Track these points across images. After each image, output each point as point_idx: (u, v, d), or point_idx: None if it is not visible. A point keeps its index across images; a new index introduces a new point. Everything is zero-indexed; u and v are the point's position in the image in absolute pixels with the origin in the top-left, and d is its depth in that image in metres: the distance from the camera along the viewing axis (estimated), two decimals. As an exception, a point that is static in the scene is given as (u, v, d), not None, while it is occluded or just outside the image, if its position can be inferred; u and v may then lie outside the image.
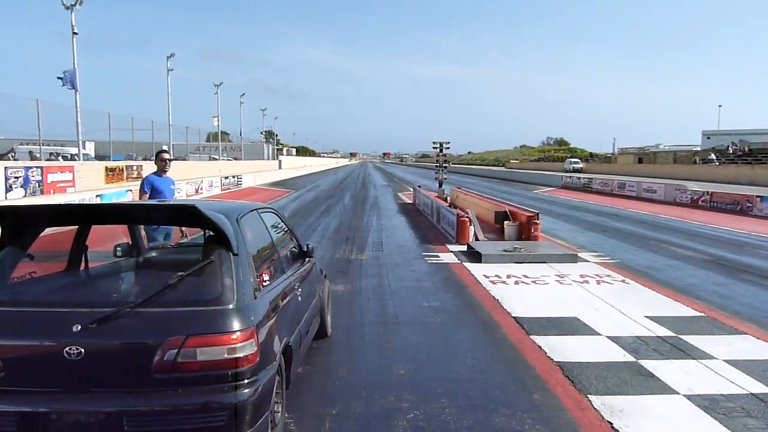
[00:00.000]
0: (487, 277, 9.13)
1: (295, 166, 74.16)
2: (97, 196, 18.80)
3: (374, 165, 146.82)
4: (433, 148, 23.27)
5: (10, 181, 16.67)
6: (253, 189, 37.58)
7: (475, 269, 9.79)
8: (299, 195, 31.39)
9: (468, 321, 6.87)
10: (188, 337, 3.07)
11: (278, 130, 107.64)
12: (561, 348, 5.71)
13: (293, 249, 5.19)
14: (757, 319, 6.85)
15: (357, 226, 16.45)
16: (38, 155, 24.57)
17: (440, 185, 22.63)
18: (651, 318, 6.73)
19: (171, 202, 5.50)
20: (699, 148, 66.22)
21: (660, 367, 5.18)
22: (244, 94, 58.42)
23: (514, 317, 6.86)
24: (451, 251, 11.72)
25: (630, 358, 5.43)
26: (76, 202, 15.87)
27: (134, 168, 25.24)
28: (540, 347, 5.76)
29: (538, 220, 12.75)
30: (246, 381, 3.15)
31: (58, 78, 22.97)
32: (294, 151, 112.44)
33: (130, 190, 20.15)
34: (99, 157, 31.79)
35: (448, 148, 23.27)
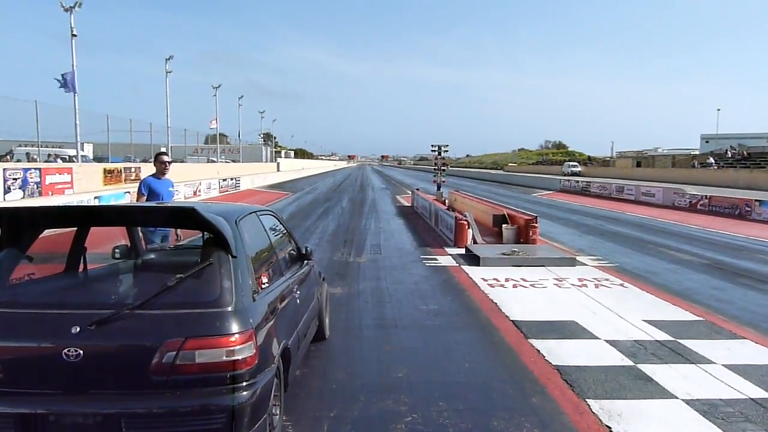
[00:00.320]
0: (485, 280, 9.13)
1: (293, 169, 74.16)
2: (95, 197, 18.78)
3: (372, 168, 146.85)
4: (432, 151, 23.30)
5: (9, 183, 16.64)
6: (252, 191, 37.56)
7: (474, 272, 9.79)
8: (297, 197, 31.39)
9: (466, 324, 6.86)
10: (187, 339, 3.07)
11: (276, 132, 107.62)
12: (559, 351, 5.71)
13: (292, 251, 5.18)
14: (755, 324, 6.85)
15: (355, 229, 16.45)
16: (35, 157, 24.54)
17: (438, 188, 22.65)
18: (649, 322, 6.74)
19: (170, 204, 5.49)
20: (697, 152, 66.33)
21: (658, 372, 5.18)
22: (242, 97, 58.45)
23: (512, 320, 6.85)
24: (450, 254, 11.72)
25: (628, 362, 5.43)
26: (75, 204, 15.84)
27: (132, 170, 25.23)
28: (538, 351, 5.76)
29: (536, 223, 12.76)
30: (244, 383, 3.14)
31: (56, 80, 22.95)
32: (292, 153, 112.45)
33: (129, 192, 20.14)
34: (97, 159, 31.76)
35: (447, 151, 23.30)
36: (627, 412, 4.36)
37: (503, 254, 10.88)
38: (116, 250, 4.95)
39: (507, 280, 9.16)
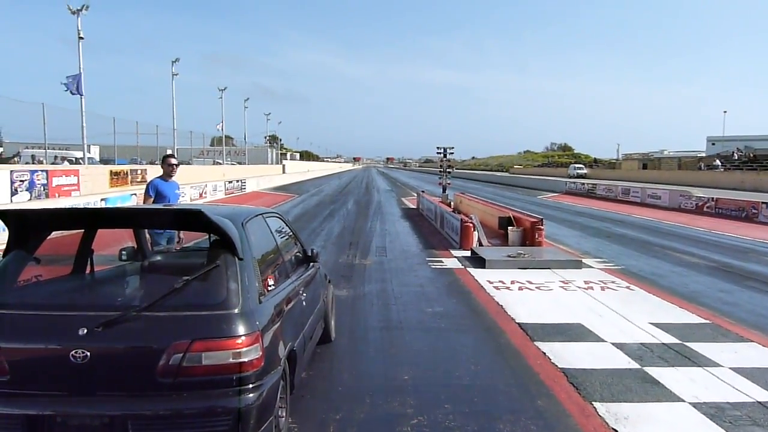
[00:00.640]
0: (491, 282, 9.12)
1: (298, 171, 74.25)
2: (102, 199, 18.84)
3: (377, 170, 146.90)
4: (437, 153, 23.27)
5: (16, 185, 16.72)
6: (257, 193, 37.63)
7: (479, 275, 9.78)
8: (303, 199, 31.43)
9: (472, 327, 6.86)
10: (193, 341, 3.08)
11: (282, 134, 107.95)
12: (565, 354, 5.70)
13: (297, 254, 5.20)
14: (762, 327, 6.81)
15: (361, 231, 16.46)
16: (41, 159, 24.68)
17: (444, 190, 22.62)
18: (656, 325, 6.71)
19: (177, 207, 5.51)
20: (704, 154, 66.08)
21: (665, 374, 5.16)
22: (248, 99, 58.52)
23: (518, 323, 6.84)
24: (455, 257, 11.72)
25: (635, 365, 5.41)
26: (82, 206, 15.91)
27: (139, 172, 25.31)
28: (544, 353, 5.75)
29: (542, 225, 12.72)
30: (250, 385, 3.15)
31: (63, 84, 23.06)
32: (297, 155, 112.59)
33: (135, 194, 20.20)
34: (104, 161, 31.91)
35: (452, 153, 23.27)
36: (633, 415, 4.35)
37: (509, 257, 10.86)
38: (123, 252, 4.97)
39: (513, 282, 9.14)
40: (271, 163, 67.67)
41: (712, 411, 4.42)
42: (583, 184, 42.19)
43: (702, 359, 5.58)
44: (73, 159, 29.31)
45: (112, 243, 5.01)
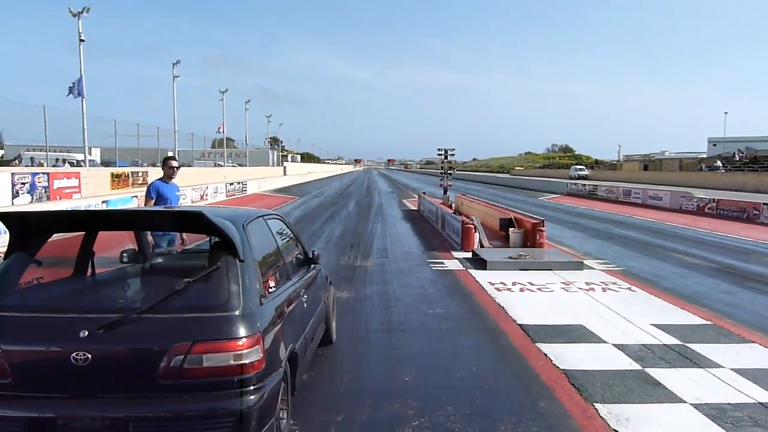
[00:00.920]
0: (492, 284, 9.11)
1: (299, 173, 74.30)
2: (103, 202, 18.87)
3: (379, 171, 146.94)
4: (438, 154, 23.30)
5: (17, 187, 16.75)
6: (258, 195, 37.66)
7: (480, 276, 9.77)
8: (304, 201, 31.44)
9: (473, 328, 6.85)
10: (194, 343, 3.08)
11: (283, 136, 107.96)
12: (567, 356, 5.69)
13: (299, 255, 5.20)
14: (764, 328, 6.80)
15: (362, 233, 16.46)
16: (42, 161, 24.69)
17: (445, 192, 22.64)
18: (657, 326, 6.70)
19: (178, 209, 5.52)
20: (705, 155, 66.05)
21: (667, 376, 5.16)
22: (249, 101, 58.62)
23: (519, 324, 6.84)
24: (456, 258, 11.71)
25: (636, 366, 5.41)
26: (83, 208, 15.94)
27: (140, 174, 25.34)
28: (546, 355, 5.74)
29: (543, 227, 12.72)
30: (252, 387, 3.15)
31: (69, 87, 23.11)
32: (299, 157, 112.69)
33: (136, 196, 20.22)
34: (105, 164, 31.92)
35: (453, 154, 23.30)
36: (635, 417, 4.34)
37: (510, 258, 10.86)
38: (124, 254, 4.97)
39: (514, 283, 9.14)
40: (273, 165, 67.73)
41: (714, 412, 4.41)
42: (584, 185, 42.18)
43: (703, 360, 5.58)
44: (75, 161, 29.33)
45: (113, 245, 5.01)
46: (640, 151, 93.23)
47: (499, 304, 7.83)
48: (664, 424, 4.24)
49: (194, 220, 3.88)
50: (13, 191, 16.57)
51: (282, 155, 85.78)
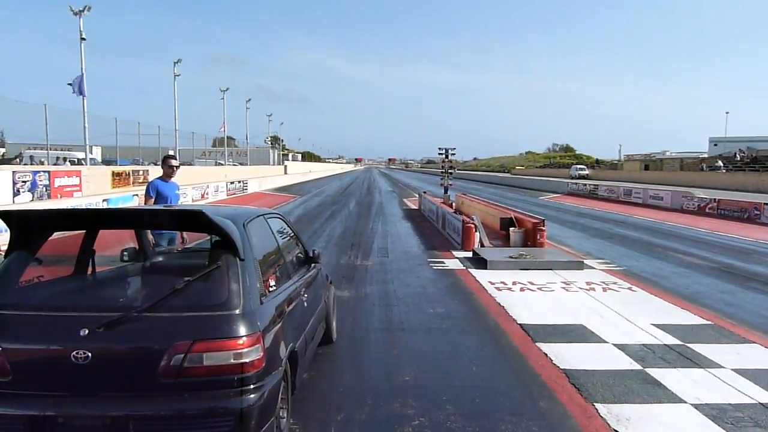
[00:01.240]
0: (492, 283, 9.11)
1: (300, 172, 74.29)
2: (103, 200, 18.88)
3: (379, 171, 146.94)
4: (439, 154, 23.29)
5: (18, 186, 16.76)
6: (259, 194, 37.66)
7: (481, 276, 9.77)
8: (305, 200, 31.44)
9: (473, 328, 6.85)
10: (195, 342, 3.08)
11: (284, 135, 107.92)
12: (567, 355, 5.69)
13: (299, 254, 5.20)
14: (765, 328, 6.80)
15: (362, 232, 16.46)
16: (43, 159, 24.70)
17: (445, 191, 22.63)
18: (658, 326, 6.70)
19: (178, 208, 5.51)
20: (706, 155, 65.99)
21: (667, 376, 5.15)
22: (250, 100, 58.62)
23: (519, 324, 6.83)
24: (457, 257, 11.71)
25: (637, 366, 5.40)
26: (84, 207, 15.94)
27: (140, 173, 25.35)
28: (546, 354, 5.74)
29: (543, 226, 12.71)
30: (252, 386, 3.15)
31: (69, 84, 23.11)
32: (299, 156, 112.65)
33: (137, 195, 20.23)
34: (106, 162, 31.92)
35: (454, 154, 23.29)
36: (635, 417, 4.34)
37: (510, 257, 10.85)
38: (125, 253, 4.97)
39: (514, 283, 9.14)
40: (273, 164, 67.71)
41: (714, 412, 4.41)
42: (585, 185, 42.16)
43: (704, 360, 5.57)
44: (75, 160, 29.33)
45: (113, 244, 5.01)
46: (641, 151, 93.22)
47: (499, 304, 7.83)
48: (665, 424, 4.23)
49: (195, 219, 3.88)
50: (14, 189, 16.58)
51: (283, 154, 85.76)
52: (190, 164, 38.92)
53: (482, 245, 12.57)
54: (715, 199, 24.32)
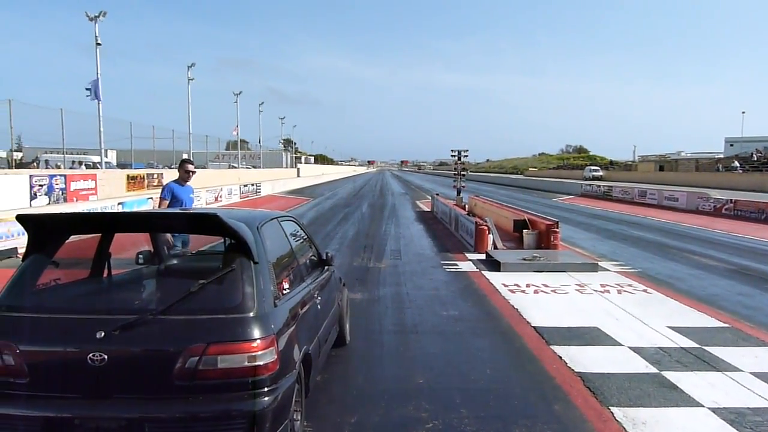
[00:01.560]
0: (506, 285, 9.07)
1: (313, 174, 74.53)
2: (118, 203, 19.04)
3: (392, 173, 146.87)
4: (451, 156, 23.26)
5: (35, 189, 16.98)
6: (272, 197, 37.81)
7: (494, 278, 9.73)
8: (317, 203, 31.51)
9: (487, 330, 6.82)
10: (209, 344, 3.09)
11: (296, 138, 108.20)
12: (582, 358, 5.65)
13: (312, 257, 5.21)
14: (783, 331, 6.71)
15: (375, 234, 16.47)
16: (59, 164, 24.98)
17: (458, 193, 22.59)
18: (674, 328, 6.63)
19: (193, 211, 5.55)
20: (722, 156, 65.25)
21: (684, 379, 5.10)
22: (263, 103, 59.04)
23: (533, 327, 6.80)
24: (470, 260, 11.68)
25: (653, 370, 5.35)
26: (99, 210, 16.10)
27: (155, 176, 25.57)
28: (560, 357, 5.70)
29: (557, 228, 12.65)
30: (266, 389, 3.16)
31: (86, 89, 23.38)
32: (312, 159, 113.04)
33: (151, 198, 20.38)
34: (121, 166, 32.25)
35: (467, 156, 23.24)
36: (651, 421, 4.30)
37: (524, 260, 10.80)
38: (140, 256, 5.01)
39: (528, 285, 9.09)
40: (286, 167, 68.01)
41: (733, 416, 4.35)
42: (599, 186, 41.86)
43: (721, 364, 5.50)
44: (91, 163, 29.65)
45: (129, 247, 5.05)
46: (656, 152, 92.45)
47: (513, 306, 7.79)
48: (682, 428, 4.19)
49: (209, 222, 3.90)
50: (31, 193, 16.80)
51: (295, 157, 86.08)
52: (204, 167, 39.19)
53: (495, 247, 12.53)
54: (731, 199, 24.04)
